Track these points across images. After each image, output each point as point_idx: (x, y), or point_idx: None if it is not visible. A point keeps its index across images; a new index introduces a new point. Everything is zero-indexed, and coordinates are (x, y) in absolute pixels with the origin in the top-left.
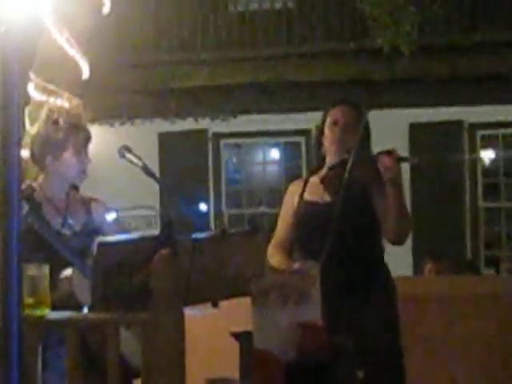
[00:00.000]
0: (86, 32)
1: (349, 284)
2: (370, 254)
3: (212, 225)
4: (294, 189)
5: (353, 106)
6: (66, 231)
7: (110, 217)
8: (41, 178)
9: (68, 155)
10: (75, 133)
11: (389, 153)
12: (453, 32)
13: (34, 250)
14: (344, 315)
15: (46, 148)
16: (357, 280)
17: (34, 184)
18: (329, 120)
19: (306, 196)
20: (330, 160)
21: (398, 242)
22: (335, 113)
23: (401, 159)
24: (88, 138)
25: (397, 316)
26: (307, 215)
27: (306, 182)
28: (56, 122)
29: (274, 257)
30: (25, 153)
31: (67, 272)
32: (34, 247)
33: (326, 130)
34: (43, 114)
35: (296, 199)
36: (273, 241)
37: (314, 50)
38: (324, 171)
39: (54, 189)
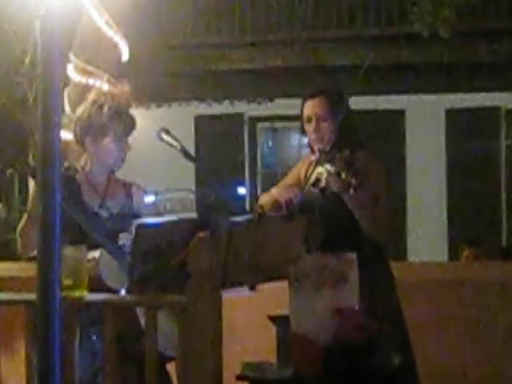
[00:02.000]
0: (125, 14)
1: None
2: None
3: (247, 208)
4: (303, 167)
5: (325, 98)
6: (104, 213)
7: (148, 199)
8: (83, 158)
9: (108, 141)
10: (118, 119)
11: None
12: (490, 17)
13: (64, 229)
14: None
15: (87, 130)
16: None
17: (77, 165)
18: (304, 115)
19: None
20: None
21: (372, 236)
22: (306, 109)
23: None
24: (131, 126)
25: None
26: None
27: (309, 165)
28: (101, 107)
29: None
30: (64, 134)
31: (95, 253)
32: (64, 226)
33: (305, 125)
34: (90, 96)
35: (302, 176)
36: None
37: (352, 35)
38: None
39: (93, 171)
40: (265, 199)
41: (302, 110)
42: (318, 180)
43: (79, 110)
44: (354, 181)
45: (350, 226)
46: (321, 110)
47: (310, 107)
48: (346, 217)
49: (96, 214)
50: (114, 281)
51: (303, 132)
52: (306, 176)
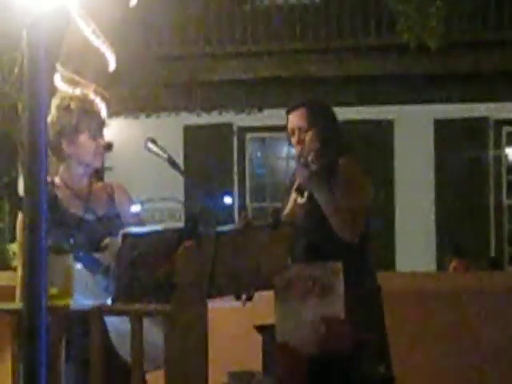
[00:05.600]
0: (113, 24)
1: None
2: (331, 252)
3: (235, 218)
4: None
5: (304, 110)
6: (90, 216)
7: (135, 209)
8: (61, 168)
9: (84, 138)
10: (88, 117)
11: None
12: (478, 28)
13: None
14: None
15: (61, 134)
16: None
17: (56, 178)
18: (288, 128)
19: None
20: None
21: (343, 238)
22: (289, 122)
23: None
24: (102, 123)
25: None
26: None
27: None
28: (67, 108)
29: None
30: None
31: None
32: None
33: (290, 138)
34: (54, 102)
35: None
36: None
37: (340, 46)
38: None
39: (74, 176)
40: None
41: (286, 124)
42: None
43: (48, 118)
44: (310, 158)
45: (332, 236)
46: (301, 122)
47: (292, 120)
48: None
49: (82, 220)
50: (81, 294)
51: (291, 144)
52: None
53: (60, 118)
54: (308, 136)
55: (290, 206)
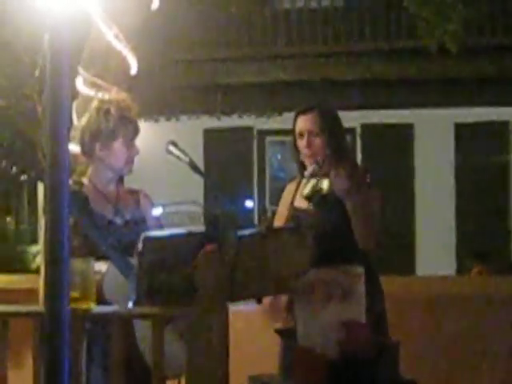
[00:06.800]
0: (134, 28)
1: None
2: (348, 257)
3: (256, 221)
4: (292, 188)
5: (317, 113)
6: (119, 220)
7: (156, 211)
8: (90, 170)
9: (118, 145)
10: (125, 123)
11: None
12: (499, 32)
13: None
14: None
15: (96, 137)
16: None
17: (84, 179)
18: (296, 130)
19: (295, 202)
20: (307, 165)
21: (363, 248)
22: (298, 124)
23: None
24: (136, 130)
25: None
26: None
27: (298, 185)
28: (107, 112)
29: None
30: (72, 147)
31: (102, 266)
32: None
33: (297, 140)
34: (93, 105)
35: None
36: None
37: (361, 49)
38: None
39: (103, 179)
40: None
41: (294, 126)
42: (319, 190)
43: (84, 119)
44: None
45: (346, 240)
46: (313, 126)
47: (302, 122)
48: (343, 230)
49: (111, 223)
50: (115, 297)
51: (295, 147)
52: (292, 202)
53: (98, 121)
54: (317, 141)
55: (284, 209)
